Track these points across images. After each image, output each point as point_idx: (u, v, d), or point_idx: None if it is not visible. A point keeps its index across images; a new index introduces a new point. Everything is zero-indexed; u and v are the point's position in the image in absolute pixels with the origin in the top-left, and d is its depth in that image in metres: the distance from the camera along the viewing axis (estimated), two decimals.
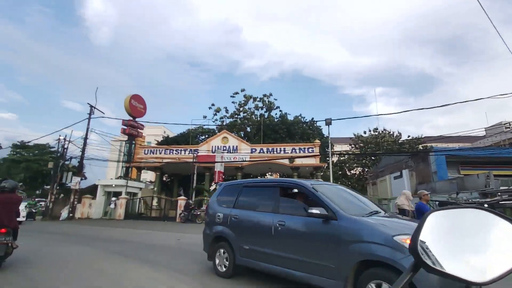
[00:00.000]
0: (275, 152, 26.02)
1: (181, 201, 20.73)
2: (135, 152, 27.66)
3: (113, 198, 21.60)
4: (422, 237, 0.56)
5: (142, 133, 29.52)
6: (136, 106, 29.15)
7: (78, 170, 21.40)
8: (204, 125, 37.32)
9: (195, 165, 23.05)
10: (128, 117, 28.26)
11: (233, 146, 26.52)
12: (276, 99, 38.29)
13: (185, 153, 27.26)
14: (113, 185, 22.75)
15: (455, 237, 0.58)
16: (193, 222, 19.00)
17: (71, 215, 20.57)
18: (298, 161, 25.15)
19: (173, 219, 21.37)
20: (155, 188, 26.37)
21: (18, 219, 6.10)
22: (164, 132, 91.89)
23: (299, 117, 37.09)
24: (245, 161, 24.68)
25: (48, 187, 21.11)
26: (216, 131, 37.00)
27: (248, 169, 26.97)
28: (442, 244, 0.56)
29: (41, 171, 43.15)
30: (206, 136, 38.69)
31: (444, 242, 0.57)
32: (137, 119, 28.91)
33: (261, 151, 26.31)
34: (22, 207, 14.70)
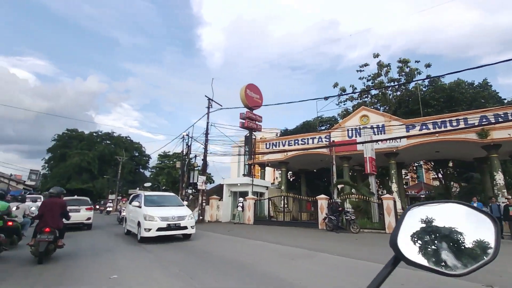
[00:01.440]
0: (448, 126, 17.18)
1: (322, 201, 15.38)
2: (255, 147, 24.77)
3: (240, 199, 18.52)
4: (402, 231, 0.57)
5: (260, 126, 26.46)
6: (252, 96, 26.38)
7: (203, 169, 19.53)
8: (332, 96, 31.29)
9: (332, 154, 17.34)
10: (245, 110, 25.85)
11: (377, 126, 19.34)
12: (418, 61, 28.06)
13: (312, 142, 22.09)
14: (238, 184, 19.86)
15: (434, 231, 0.59)
16: (346, 230, 13.26)
17: (201, 217, 18.65)
18: (498, 135, 15.54)
19: (310, 224, 16.33)
20: (282, 187, 22.21)
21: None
22: (277, 134, 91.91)
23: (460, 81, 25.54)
24: (402, 137, 17.08)
25: (189, 191, 19.90)
26: (339, 119, 30.47)
27: (405, 154, 19.11)
28: (421, 238, 0.56)
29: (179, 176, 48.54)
30: (328, 125, 32.70)
31: (423, 236, 0.58)
32: (254, 111, 26.12)
33: (423, 127, 18.00)
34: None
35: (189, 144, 20.16)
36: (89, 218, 12.76)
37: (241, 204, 18.28)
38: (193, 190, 20.95)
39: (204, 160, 19.62)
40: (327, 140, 20.57)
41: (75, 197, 15.30)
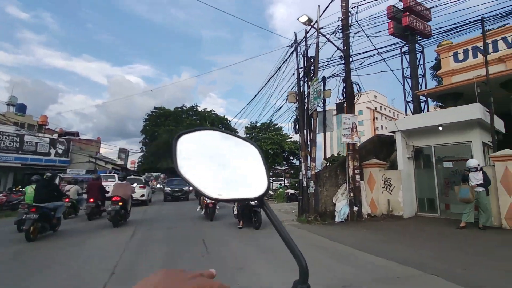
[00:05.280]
0: None
1: None
2: (423, 61, 12.28)
3: (473, 162, 6.73)
4: (179, 162, 0.57)
5: (430, 27, 13.47)
6: None
7: (347, 98, 8.37)
8: None
9: None
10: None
11: None
12: None
13: None
14: (440, 128, 8.10)
15: (202, 157, 0.60)
16: None
17: (355, 209, 7.99)
18: None
19: None
20: None
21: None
22: (375, 97, 72.90)
23: None
24: None
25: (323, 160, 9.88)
26: None
27: None
28: (193, 164, 0.58)
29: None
30: None
31: (194, 161, 0.59)
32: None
33: None
34: None
35: (306, 53, 9.26)
36: (142, 195, 14.00)
37: (478, 177, 6.57)
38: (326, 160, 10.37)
39: (347, 77, 8.54)
40: None
41: (131, 176, 16.35)
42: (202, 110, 52.28)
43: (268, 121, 32.84)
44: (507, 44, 10.56)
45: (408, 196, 8.68)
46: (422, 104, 13.21)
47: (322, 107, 9.74)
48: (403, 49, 13.53)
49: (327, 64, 10.07)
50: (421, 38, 13.43)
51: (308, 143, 9.07)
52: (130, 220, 8.84)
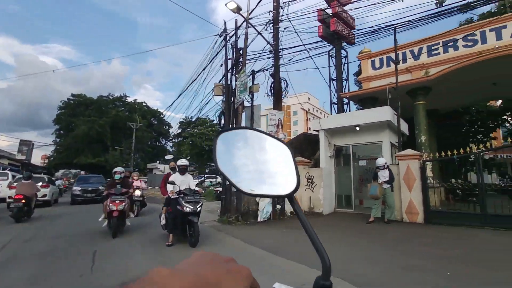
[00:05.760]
0: None
1: None
2: (347, 67, 13.14)
3: (381, 161, 7.19)
4: (218, 158, 0.58)
5: (354, 35, 14.46)
6: None
7: (275, 94, 8.18)
8: None
9: None
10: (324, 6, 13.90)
11: None
12: None
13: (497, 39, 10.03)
14: (357, 128, 8.54)
15: (238, 154, 0.61)
16: None
17: (277, 207, 7.86)
18: None
19: None
20: (422, 139, 10.71)
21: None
22: (309, 99, 78.19)
23: None
24: None
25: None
26: None
27: None
28: (230, 160, 0.60)
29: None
30: None
31: (231, 158, 0.60)
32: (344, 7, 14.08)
33: None
34: None
35: (236, 44, 8.77)
36: (44, 195, 12.85)
37: (385, 175, 7.07)
38: None
39: (276, 73, 8.34)
40: None
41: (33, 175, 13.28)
42: (132, 101, 47.71)
43: (205, 117, 31.62)
44: (413, 56, 11.89)
45: (328, 193, 8.97)
46: (345, 106, 14.18)
47: (251, 102, 9.38)
48: (331, 53, 14.35)
49: (259, 57, 9.78)
50: (345, 43, 14.41)
51: None
52: (12, 227, 7.18)
